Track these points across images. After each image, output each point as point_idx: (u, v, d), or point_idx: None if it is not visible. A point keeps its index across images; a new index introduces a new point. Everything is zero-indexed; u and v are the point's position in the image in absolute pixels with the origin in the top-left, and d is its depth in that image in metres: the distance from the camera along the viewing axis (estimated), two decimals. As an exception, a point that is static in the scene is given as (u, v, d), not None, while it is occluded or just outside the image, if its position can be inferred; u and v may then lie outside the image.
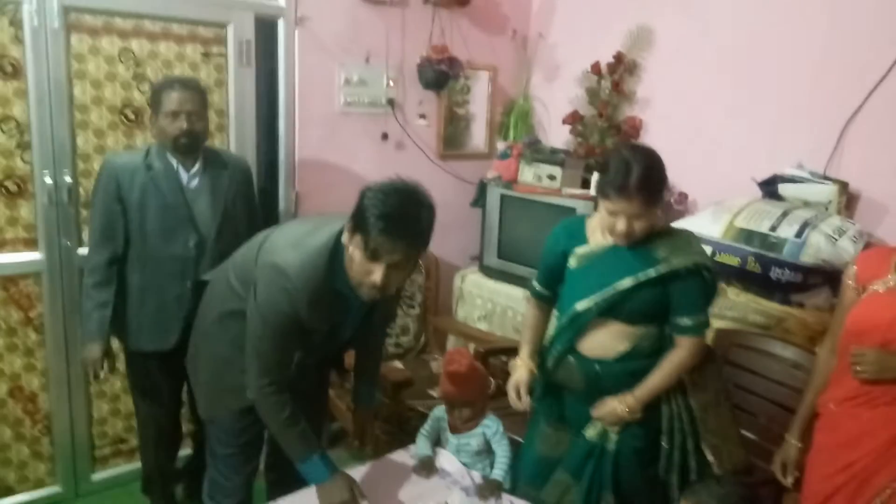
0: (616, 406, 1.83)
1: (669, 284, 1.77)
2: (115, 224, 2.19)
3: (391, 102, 3.20)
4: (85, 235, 2.45)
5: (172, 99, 2.16)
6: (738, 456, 1.91)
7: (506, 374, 2.10)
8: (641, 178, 1.68)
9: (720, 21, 2.86)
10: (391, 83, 3.18)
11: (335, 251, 1.68)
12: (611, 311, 1.81)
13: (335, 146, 3.10)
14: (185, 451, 2.68)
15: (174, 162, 2.23)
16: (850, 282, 1.78)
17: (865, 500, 1.63)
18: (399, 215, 1.56)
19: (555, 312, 2.01)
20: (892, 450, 1.61)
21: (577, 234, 1.92)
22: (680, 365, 1.83)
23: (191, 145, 2.21)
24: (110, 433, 2.75)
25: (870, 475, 1.63)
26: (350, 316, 1.84)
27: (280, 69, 2.90)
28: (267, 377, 1.71)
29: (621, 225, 1.73)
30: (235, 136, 2.78)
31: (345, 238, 1.65)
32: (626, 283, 1.77)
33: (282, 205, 3.00)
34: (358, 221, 1.59)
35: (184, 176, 2.25)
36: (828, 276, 2.26)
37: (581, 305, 1.83)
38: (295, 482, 1.82)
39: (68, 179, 2.42)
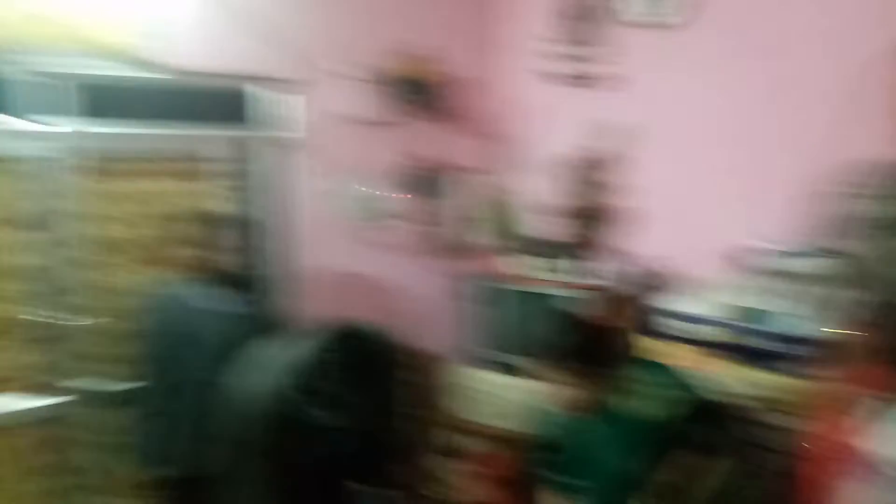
0: None
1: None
2: None
3: (385, 213, 3.34)
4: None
5: (224, 236, 2.40)
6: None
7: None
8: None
9: (684, 109, 2.98)
10: (381, 197, 3.32)
11: None
12: None
13: (336, 260, 3.22)
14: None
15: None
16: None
17: None
18: None
19: None
20: None
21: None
22: None
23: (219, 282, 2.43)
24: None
25: None
26: None
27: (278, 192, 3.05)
28: None
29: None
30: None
31: None
32: None
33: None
34: None
35: None
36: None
37: None
38: None
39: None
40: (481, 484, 2.03)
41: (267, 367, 1.91)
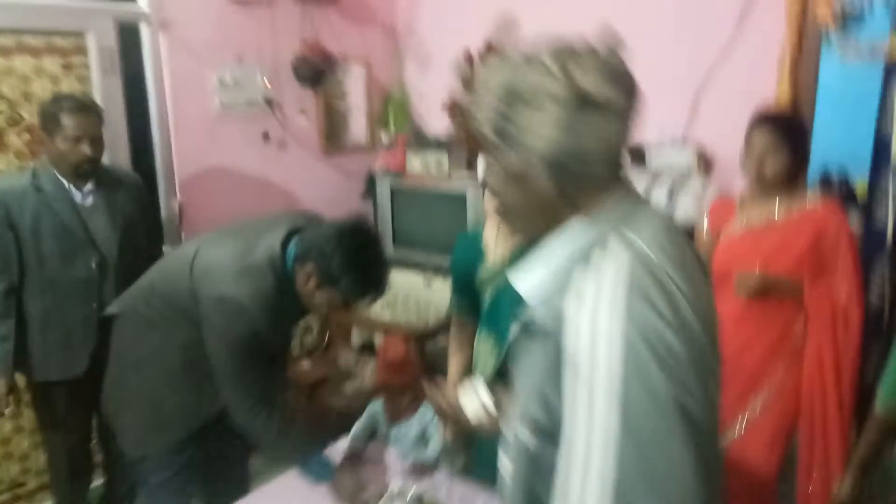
0: None
1: None
2: (7, 253, 2.06)
3: (269, 102, 3.15)
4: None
5: (74, 124, 2.05)
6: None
7: (435, 356, 2.15)
8: None
9: (575, 4, 3.05)
10: (267, 82, 3.12)
11: (280, 269, 1.68)
12: None
13: (215, 151, 3.01)
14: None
15: (65, 182, 2.11)
16: (704, 232, 2.20)
17: (754, 394, 2.05)
18: (370, 273, 1.64)
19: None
20: (771, 354, 2.03)
21: (474, 250, 1.87)
22: None
23: (92, 170, 2.12)
24: (6, 478, 2.55)
25: (756, 374, 2.03)
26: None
27: (147, 76, 2.77)
28: (249, 399, 1.71)
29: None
30: (107, 150, 2.63)
31: (300, 275, 1.67)
32: None
33: (164, 215, 2.89)
34: (324, 275, 1.62)
35: (77, 195, 2.13)
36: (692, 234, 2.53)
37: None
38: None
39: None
40: (386, 373, 2.09)
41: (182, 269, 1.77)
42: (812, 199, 2.06)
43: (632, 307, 0.80)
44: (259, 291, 1.64)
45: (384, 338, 2.85)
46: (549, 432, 0.86)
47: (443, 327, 2.58)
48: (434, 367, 2.41)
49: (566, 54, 0.86)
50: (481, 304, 1.87)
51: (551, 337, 0.85)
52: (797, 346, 2.03)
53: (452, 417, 1.40)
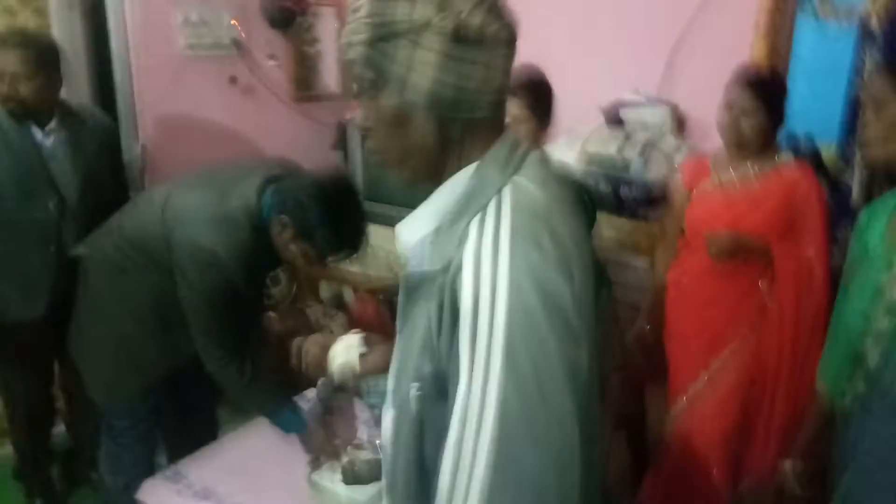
0: None
1: None
2: None
3: (237, 44, 3.03)
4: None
5: None
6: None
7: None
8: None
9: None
10: (234, 23, 3.00)
11: (256, 218, 1.65)
12: None
13: (180, 94, 2.90)
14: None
15: (26, 121, 2.01)
16: (678, 188, 2.21)
17: (717, 351, 2.08)
18: (346, 228, 1.62)
19: None
20: (736, 311, 2.07)
21: None
22: None
23: (16, 111, 1.99)
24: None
25: (721, 330, 2.07)
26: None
27: (108, 11, 2.64)
28: (221, 348, 1.69)
29: None
30: (66, 88, 2.52)
31: (276, 226, 1.63)
32: None
33: (126, 158, 2.78)
34: (300, 228, 1.59)
35: (37, 134, 2.04)
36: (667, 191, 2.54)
37: None
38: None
39: None
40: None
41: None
42: (785, 159, 2.09)
43: (518, 250, 0.78)
44: (234, 241, 1.61)
45: (355, 297, 2.84)
46: (439, 388, 0.83)
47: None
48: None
49: None
50: None
51: (442, 288, 0.81)
52: (762, 303, 2.08)
53: (315, 368, 1.43)
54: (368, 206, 3.24)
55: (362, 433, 1.91)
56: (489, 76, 0.83)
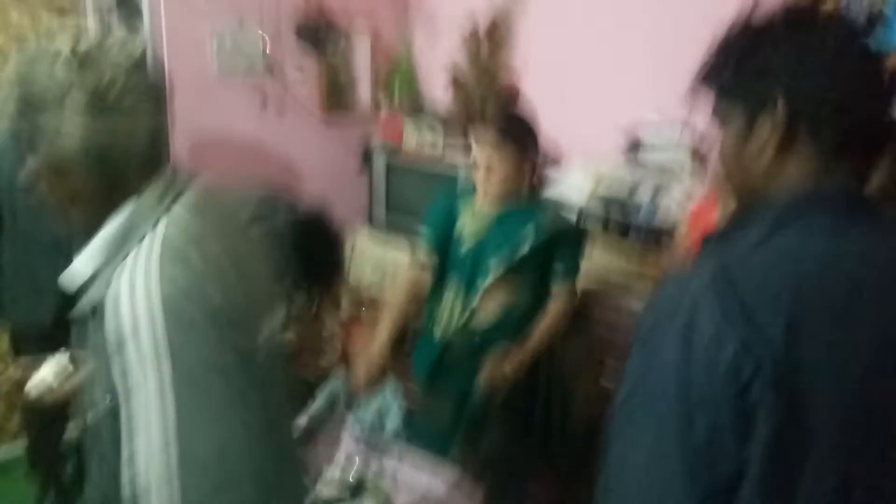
0: (501, 363, 1.96)
1: (548, 246, 1.96)
2: None
3: (269, 66, 3.13)
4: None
5: None
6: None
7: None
8: (499, 118, 1.95)
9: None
10: (268, 46, 3.10)
11: None
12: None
13: (211, 114, 3.01)
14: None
15: None
16: (682, 236, 2.20)
17: None
18: (317, 267, 1.71)
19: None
20: None
21: (453, 205, 2.03)
22: (556, 315, 1.99)
23: None
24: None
25: None
26: None
27: (146, 36, 2.77)
28: None
29: (480, 159, 1.89)
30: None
31: None
32: (524, 248, 1.93)
33: (158, 176, 2.92)
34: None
35: None
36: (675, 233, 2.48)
37: (487, 282, 1.97)
38: None
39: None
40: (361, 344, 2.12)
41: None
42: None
43: (166, 270, 0.88)
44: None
45: (343, 322, 2.87)
46: (116, 412, 0.92)
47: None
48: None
49: (91, 49, 0.89)
50: (448, 259, 2.02)
51: (109, 317, 0.90)
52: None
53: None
54: (392, 227, 3.31)
55: (339, 464, 1.94)
56: (136, 127, 0.93)
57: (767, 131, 0.80)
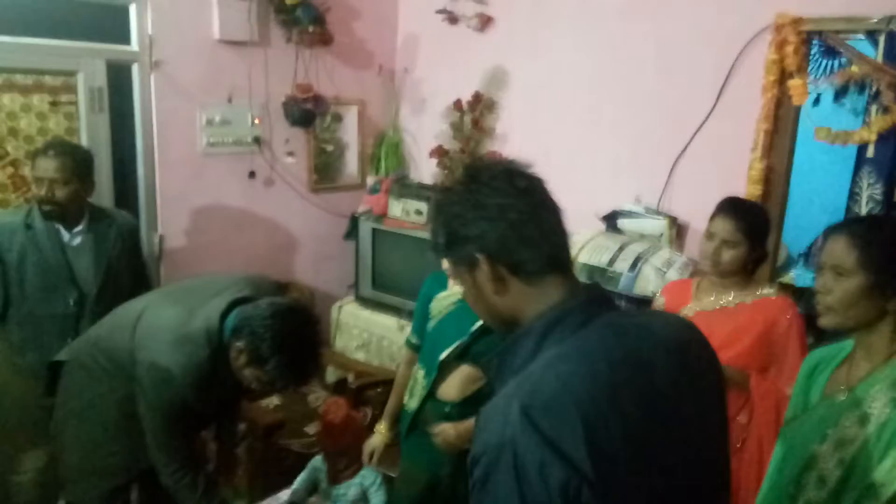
0: (450, 429, 1.95)
1: None
2: None
3: (257, 140, 3.21)
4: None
5: (38, 165, 2.17)
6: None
7: (381, 404, 2.24)
8: None
9: (564, 65, 3.07)
10: (256, 121, 3.19)
11: (216, 340, 1.72)
12: (462, 356, 1.95)
13: (200, 187, 3.08)
14: None
15: (55, 221, 2.22)
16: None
17: None
18: (297, 360, 1.66)
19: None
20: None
21: (440, 282, 2.07)
22: None
23: (52, 212, 2.20)
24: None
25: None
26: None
27: (136, 114, 2.85)
28: (175, 462, 1.75)
29: None
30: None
31: (232, 350, 1.70)
32: (474, 327, 1.93)
33: (145, 248, 2.95)
34: (253, 355, 1.64)
35: (65, 235, 2.25)
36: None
37: (442, 355, 1.97)
38: None
39: None
40: (327, 435, 2.12)
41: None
42: (767, 292, 2.04)
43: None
44: (191, 362, 1.68)
45: (325, 400, 2.87)
46: None
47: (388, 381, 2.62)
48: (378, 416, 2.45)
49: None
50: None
51: None
52: (740, 437, 2.00)
53: None
54: (377, 295, 3.34)
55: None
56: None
57: (485, 282, 0.96)
